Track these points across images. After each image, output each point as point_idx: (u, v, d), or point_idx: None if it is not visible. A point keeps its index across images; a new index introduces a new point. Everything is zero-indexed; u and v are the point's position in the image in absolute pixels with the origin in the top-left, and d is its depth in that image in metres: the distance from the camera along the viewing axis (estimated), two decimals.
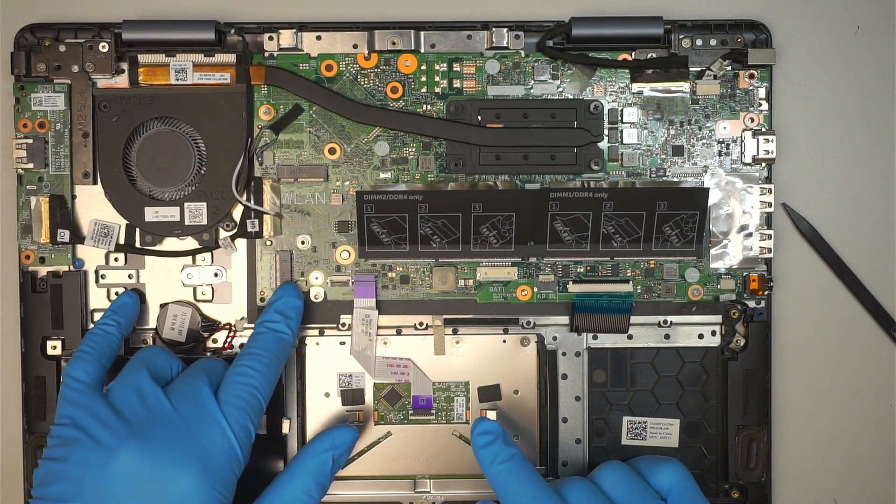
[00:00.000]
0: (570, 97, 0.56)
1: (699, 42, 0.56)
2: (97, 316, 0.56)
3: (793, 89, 0.58)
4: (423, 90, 0.56)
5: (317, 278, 0.56)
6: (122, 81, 0.56)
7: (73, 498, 0.45)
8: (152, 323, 0.56)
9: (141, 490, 0.45)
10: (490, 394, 0.57)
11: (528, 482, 0.48)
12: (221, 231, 0.56)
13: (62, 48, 0.55)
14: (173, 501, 0.45)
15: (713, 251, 0.57)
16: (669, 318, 0.57)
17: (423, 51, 0.56)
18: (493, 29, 0.56)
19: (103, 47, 0.55)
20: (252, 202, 0.55)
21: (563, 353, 0.57)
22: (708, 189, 0.55)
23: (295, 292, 0.54)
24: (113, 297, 0.56)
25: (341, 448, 0.51)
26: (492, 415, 0.57)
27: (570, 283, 0.57)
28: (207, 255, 0.56)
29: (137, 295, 0.55)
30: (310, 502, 0.50)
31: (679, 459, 0.57)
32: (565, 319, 0.57)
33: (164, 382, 0.50)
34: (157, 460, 0.45)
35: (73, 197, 0.56)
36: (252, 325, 0.56)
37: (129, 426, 0.46)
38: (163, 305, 0.56)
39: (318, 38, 0.56)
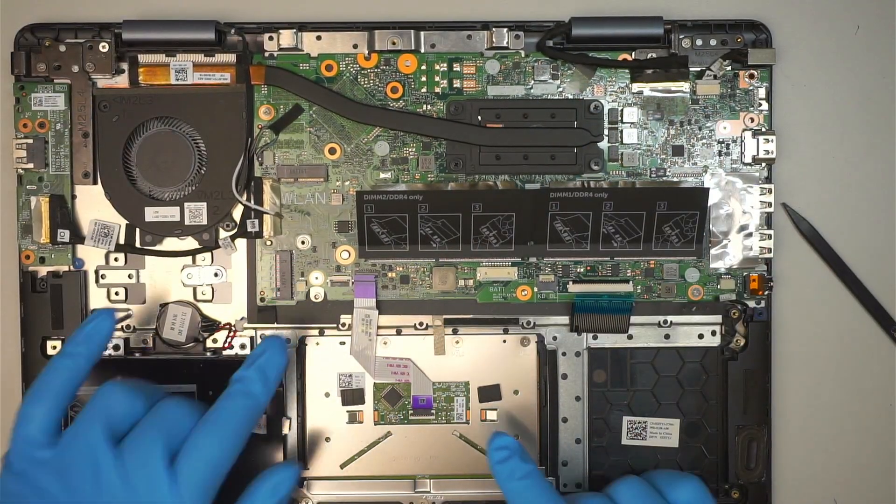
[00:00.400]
0: (570, 97, 0.56)
1: (699, 42, 0.56)
2: None
3: (793, 89, 0.58)
4: (423, 90, 0.56)
5: (317, 278, 0.56)
6: (122, 81, 0.56)
7: None
8: (152, 323, 0.56)
9: None
10: (490, 394, 0.57)
11: (545, 499, 0.47)
12: (221, 231, 0.56)
13: (62, 48, 0.55)
14: None
15: (713, 251, 0.57)
16: (669, 318, 0.57)
17: (423, 51, 0.56)
18: (493, 29, 0.56)
19: (103, 47, 0.55)
20: (252, 202, 0.55)
21: (563, 353, 0.57)
22: (708, 189, 0.55)
23: (280, 349, 0.50)
24: (114, 297, 0.56)
25: (283, 489, 0.48)
26: (492, 415, 0.57)
27: (570, 283, 0.57)
28: (207, 255, 0.56)
29: (111, 315, 0.50)
30: None
31: (678, 460, 0.57)
32: (565, 319, 0.57)
33: (123, 433, 0.46)
34: None
35: (74, 197, 0.56)
36: (252, 326, 0.56)
37: (73, 492, 0.44)
38: (163, 305, 0.56)
39: (319, 38, 0.56)
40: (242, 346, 0.56)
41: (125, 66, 0.56)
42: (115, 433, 0.45)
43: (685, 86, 0.56)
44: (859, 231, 0.58)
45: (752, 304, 0.57)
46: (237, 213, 0.56)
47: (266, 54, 0.56)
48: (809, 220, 0.58)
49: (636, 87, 0.56)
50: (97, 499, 0.44)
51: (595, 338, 0.57)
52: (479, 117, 0.56)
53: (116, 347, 0.56)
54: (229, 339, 0.56)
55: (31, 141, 0.55)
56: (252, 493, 0.47)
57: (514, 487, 0.48)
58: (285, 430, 0.56)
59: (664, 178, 0.56)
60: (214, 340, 0.56)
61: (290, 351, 0.53)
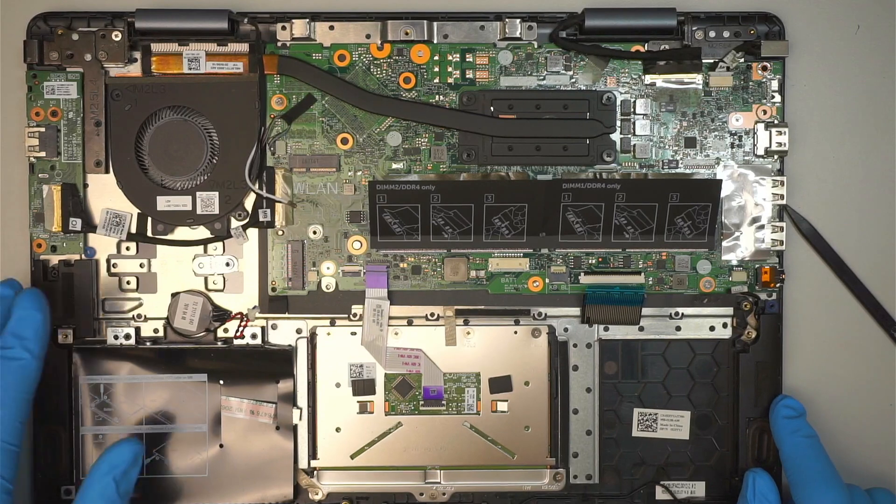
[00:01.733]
0: (583, 88, 0.56)
1: (712, 34, 0.56)
2: (108, 305, 0.56)
3: (794, 87, 0.58)
4: (436, 80, 0.56)
5: (328, 268, 0.56)
6: (134, 70, 0.56)
7: None
8: (163, 312, 0.56)
9: None
10: (501, 385, 0.57)
11: (823, 461, 0.51)
12: (233, 220, 0.56)
13: (75, 37, 0.55)
14: None
15: (725, 243, 0.57)
16: (681, 310, 0.57)
17: (436, 41, 0.56)
18: (506, 20, 0.56)
19: (116, 36, 0.55)
20: (264, 191, 0.55)
21: (574, 345, 0.57)
22: (720, 181, 0.55)
23: (32, 303, 0.49)
24: (125, 286, 0.56)
25: (121, 467, 0.49)
26: (503, 406, 0.57)
27: (582, 274, 0.57)
28: (219, 244, 0.56)
29: (44, 302, 0.50)
30: None
31: (689, 452, 0.57)
32: (577, 311, 0.57)
33: None
34: None
35: (86, 185, 0.56)
36: (264, 315, 0.56)
37: None
38: (174, 295, 0.56)
39: (331, 27, 0.56)
40: (254, 336, 0.56)
41: (138, 55, 0.56)
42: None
43: (698, 77, 0.56)
44: (859, 231, 0.58)
45: (763, 296, 0.57)
46: (249, 202, 0.56)
47: (279, 44, 0.56)
48: (811, 218, 0.58)
49: (649, 78, 0.56)
50: None
51: (606, 329, 0.57)
52: (492, 108, 0.56)
53: (128, 336, 0.56)
54: (241, 329, 0.56)
55: (43, 129, 0.55)
56: (91, 472, 0.49)
57: (797, 442, 0.52)
58: (295, 421, 0.56)
59: (676, 170, 0.56)
60: (226, 330, 0.56)
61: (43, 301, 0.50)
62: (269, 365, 0.56)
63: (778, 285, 0.57)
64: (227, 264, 0.56)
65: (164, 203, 0.55)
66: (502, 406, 0.57)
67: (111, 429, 0.56)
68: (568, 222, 0.55)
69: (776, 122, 0.56)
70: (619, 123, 0.56)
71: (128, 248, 0.56)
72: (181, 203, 0.55)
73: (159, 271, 0.56)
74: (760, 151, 0.56)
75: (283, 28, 0.56)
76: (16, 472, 0.47)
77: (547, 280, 0.57)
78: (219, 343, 0.56)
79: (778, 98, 0.56)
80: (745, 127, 0.56)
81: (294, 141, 0.56)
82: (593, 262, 0.57)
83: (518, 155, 0.56)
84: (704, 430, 0.57)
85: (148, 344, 0.56)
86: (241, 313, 0.56)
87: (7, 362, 0.48)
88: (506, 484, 0.57)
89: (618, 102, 0.56)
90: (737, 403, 0.57)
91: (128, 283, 0.56)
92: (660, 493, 0.57)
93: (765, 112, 0.56)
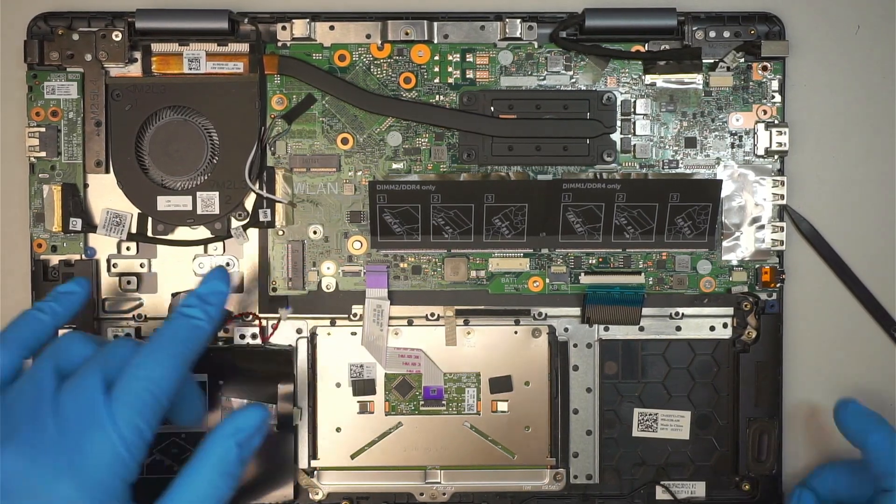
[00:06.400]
0: (583, 88, 0.56)
1: (712, 34, 0.56)
2: (109, 305, 0.56)
3: (797, 87, 0.58)
4: (436, 80, 0.56)
5: (328, 268, 0.56)
6: (134, 70, 0.56)
7: None
8: (164, 312, 0.56)
9: (23, 492, 0.42)
10: (501, 385, 0.57)
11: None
12: (233, 220, 0.56)
13: (75, 37, 0.55)
14: None
15: (725, 243, 0.57)
16: (681, 310, 0.57)
17: (436, 41, 0.56)
18: (507, 20, 0.56)
19: (116, 36, 0.55)
20: (265, 191, 0.55)
21: (575, 345, 0.57)
22: (720, 181, 0.55)
23: (221, 276, 0.50)
24: (125, 285, 0.56)
25: (246, 431, 0.46)
26: (503, 406, 0.57)
27: (582, 274, 0.57)
28: (219, 244, 0.56)
29: (89, 284, 0.50)
30: (216, 494, 0.45)
31: (689, 452, 0.57)
32: (577, 311, 0.57)
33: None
34: (35, 466, 0.42)
35: (86, 185, 0.56)
36: (264, 315, 0.56)
37: (14, 427, 0.43)
38: (174, 294, 0.56)
39: (332, 27, 0.56)
40: (254, 336, 0.56)
41: (138, 55, 0.56)
42: (63, 373, 0.45)
43: (698, 77, 0.56)
44: (859, 231, 0.58)
45: (763, 296, 0.57)
46: (249, 202, 0.56)
47: (279, 44, 0.56)
48: (810, 218, 0.58)
49: (649, 78, 0.56)
50: (34, 433, 0.43)
51: (606, 329, 0.57)
52: (492, 108, 0.56)
53: (128, 336, 0.56)
54: (272, 331, 0.56)
55: (43, 129, 0.55)
56: (213, 432, 0.46)
57: (883, 434, 0.51)
58: (296, 421, 0.56)
59: (677, 170, 0.56)
60: (226, 330, 0.56)
61: (233, 280, 0.51)
62: (269, 365, 0.56)
63: (778, 285, 0.57)
64: (228, 264, 0.56)
65: (164, 203, 0.55)
66: (502, 406, 0.57)
67: None
68: (568, 222, 0.55)
69: (776, 122, 0.56)
70: (619, 123, 0.56)
71: (128, 248, 0.56)
72: (181, 203, 0.55)
73: (159, 271, 0.56)
74: (760, 151, 0.56)
75: (284, 28, 0.56)
76: (156, 425, 0.44)
77: (547, 280, 0.57)
78: (219, 343, 0.56)
79: (778, 98, 0.56)
80: (745, 127, 0.56)
81: (294, 141, 0.56)
82: (593, 262, 0.57)
83: (518, 155, 0.56)
84: (704, 430, 0.57)
85: None
86: (251, 313, 0.56)
87: (184, 319, 0.47)
88: (506, 484, 0.57)
89: (618, 102, 0.56)
90: (737, 403, 0.57)
91: (128, 283, 0.56)
92: (660, 493, 0.57)
93: (765, 112, 0.56)
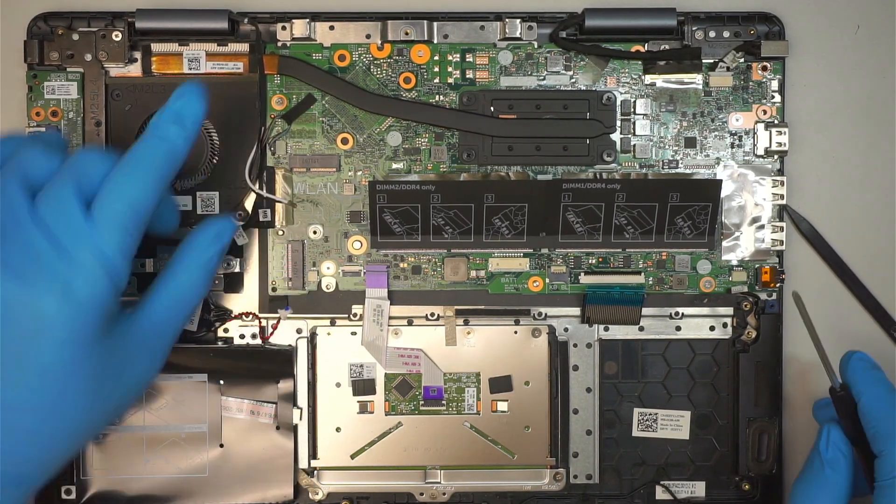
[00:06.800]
0: (583, 88, 0.56)
1: (712, 34, 0.56)
2: None
3: (796, 87, 0.58)
4: (436, 80, 0.56)
5: (328, 268, 0.56)
6: (134, 70, 0.56)
7: None
8: None
9: (12, 312, 0.41)
10: (501, 385, 0.57)
11: None
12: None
13: (75, 37, 0.55)
14: (32, 325, 0.41)
15: (725, 243, 0.57)
16: (681, 310, 0.57)
17: (436, 41, 0.56)
18: (506, 20, 0.56)
19: (116, 36, 0.55)
20: (265, 191, 0.55)
21: (575, 345, 0.57)
22: (720, 181, 0.55)
23: (196, 94, 0.47)
24: None
25: (225, 240, 0.49)
26: (503, 406, 0.57)
27: (582, 274, 0.57)
28: None
29: (205, 98, 0.47)
30: (199, 293, 0.48)
31: (689, 452, 0.57)
32: (577, 311, 0.57)
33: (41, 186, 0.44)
34: (15, 279, 0.41)
35: None
36: (265, 315, 0.56)
37: None
38: None
39: (332, 27, 0.56)
40: (254, 336, 0.56)
41: (138, 54, 0.56)
42: (33, 188, 0.44)
43: (698, 77, 0.56)
44: (859, 231, 0.58)
45: (763, 296, 0.57)
46: (249, 202, 0.56)
47: (279, 44, 0.56)
48: (810, 218, 0.58)
49: (649, 78, 0.56)
50: (17, 247, 0.42)
51: (606, 329, 0.57)
52: (492, 108, 0.56)
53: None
54: (273, 331, 0.56)
55: (43, 129, 0.55)
56: (193, 239, 0.48)
57: (879, 394, 0.50)
58: (296, 420, 0.56)
59: (676, 170, 0.56)
60: (226, 330, 0.56)
61: (206, 97, 0.48)
62: (269, 365, 0.56)
63: (778, 285, 0.57)
64: (227, 264, 0.56)
65: None
66: (502, 406, 0.57)
67: (111, 428, 0.56)
68: (568, 222, 0.55)
69: (776, 122, 0.56)
70: (619, 123, 0.56)
71: None
72: (181, 203, 0.55)
73: (159, 271, 0.56)
74: (760, 151, 0.56)
75: (284, 28, 0.56)
76: (138, 242, 0.44)
77: (547, 280, 0.57)
78: (219, 342, 0.56)
79: (778, 98, 0.56)
80: (745, 127, 0.56)
81: (294, 141, 0.56)
82: (593, 262, 0.57)
83: (518, 155, 0.56)
84: (704, 430, 0.57)
85: None
86: (251, 313, 0.56)
87: (161, 141, 0.46)
88: (506, 484, 0.57)
89: (618, 102, 0.56)
90: (737, 403, 0.57)
91: (128, 283, 0.56)
92: (660, 493, 0.58)
93: (765, 112, 0.56)
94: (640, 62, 0.56)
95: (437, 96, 0.56)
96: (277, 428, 0.56)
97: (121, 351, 0.45)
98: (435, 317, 0.57)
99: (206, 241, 0.49)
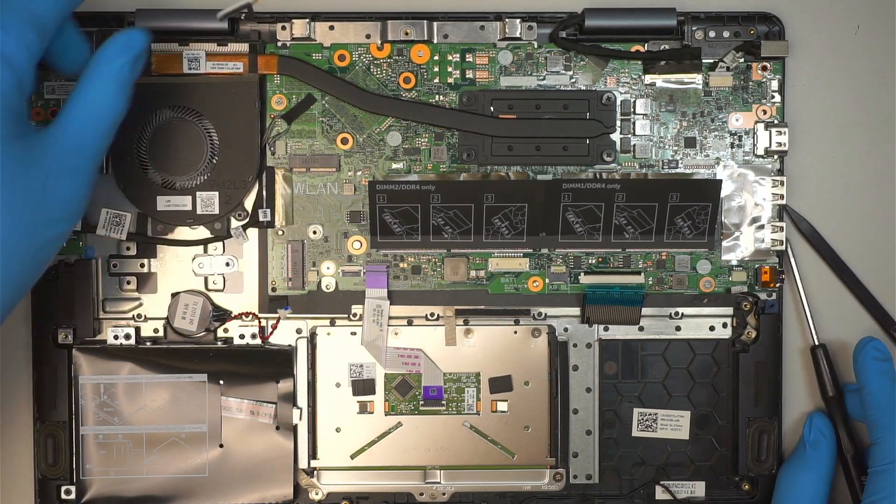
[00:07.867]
0: (583, 88, 0.56)
1: (712, 34, 0.56)
2: (108, 306, 0.56)
3: (796, 87, 0.58)
4: (436, 80, 0.56)
5: (328, 268, 0.56)
6: None
7: None
8: (163, 312, 0.56)
9: None
10: (501, 385, 0.57)
11: None
12: (233, 220, 0.56)
13: None
14: None
15: (725, 243, 0.57)
16: (681, 310, 0.57)
17: (436, 41, 0.56)
18: (506, 20, 0.56)
19: None
20: (264, 192, 0.55)
21: (574, 345, 0.57)
22: (720, 181, 0.55)
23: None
24: (125, 286, 0.56)
25: (137, 49, 0.46)
26: (503, 406, 0.57)
27: (582, 274, 0.57)
28: (219, 244, 0.56)
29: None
30: (115, 108, 0.45)
31: (689, 452, 0.57)
32: (576, 311, 0.57)
33: None
34: None
35: None
36: (264, 315, 0.56)
37: None
38: (174, 295, 0.56)
39: (331, 27, 0.56)
40: (254, 336, 0.56)
41: None
42: None
43: (698, 77, 0.56)
44: (859, 231, 0.58)
45: (763, 296, 0.57)
46: (249, 202, 0.56)
47: (279, 44, 0.56)
48: (810, 218, 0.58)
49: (649, 78, 0.56)
50: None
51: (606, 329, 0.57)
52: (492, 108, 0.56)
53: (128, 336, 0.56)
54: (272, 331, 0.56)
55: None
56: (100, 50, 0.45)
57: (884, 384, 0.52)
58: (295, 420, 0.56)
59: (676, 170, 0.56)
60: (226, 330, 0.56)
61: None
62: (269, 365, 0.56)
63: (778, 285, 0.57)
64: (227, 264, 0.56)
65: (164, 203, 0.55)
66: (502, 406, 0.57)
67: (111, 429, 0.56)
68: (568, 222, 0.55)
69: (776, 122, 0.56)
70: (619, 123, 0.56)
71: (128, 248, 0.56)
72: (181, 203, 0.55)
73: (159, 271, 0.56)
74: (760, 151, 0.56)
75: (283, 28, 0.56)
76: (30, 61, 0.42)
77: (547, 280, 0.57)
78: (219, 343, 0.56)
79: (778, 98, 0.56)
80: (745, 127, 0.56)
81: (294, 141, 0.56)
82: (593, 262, 0.57)
83: (518, 155, 0.56)
84: (704, 430, 0.57)
85: (148, 344, 0.56)
86: (251, 313, 0.56)
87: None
88: (506, 484, 0.57)
89: (618, 102, 0.56)
90: (737, 403, 0.57)
91: (128, 283, 0.56)
92: (660, 493, 0.58)
93: (765, 112, 0.56)
94: (639, 62, 0.56)
95: (437, 96, 0.56)
96: (277, 428, 0.56)
97: (38, 163, 0.43)
98: (435, 317, 0.57)
99: (114, 51, 0.45)
